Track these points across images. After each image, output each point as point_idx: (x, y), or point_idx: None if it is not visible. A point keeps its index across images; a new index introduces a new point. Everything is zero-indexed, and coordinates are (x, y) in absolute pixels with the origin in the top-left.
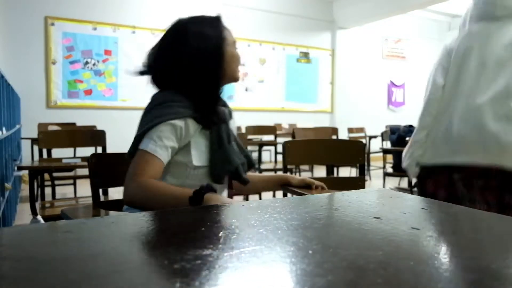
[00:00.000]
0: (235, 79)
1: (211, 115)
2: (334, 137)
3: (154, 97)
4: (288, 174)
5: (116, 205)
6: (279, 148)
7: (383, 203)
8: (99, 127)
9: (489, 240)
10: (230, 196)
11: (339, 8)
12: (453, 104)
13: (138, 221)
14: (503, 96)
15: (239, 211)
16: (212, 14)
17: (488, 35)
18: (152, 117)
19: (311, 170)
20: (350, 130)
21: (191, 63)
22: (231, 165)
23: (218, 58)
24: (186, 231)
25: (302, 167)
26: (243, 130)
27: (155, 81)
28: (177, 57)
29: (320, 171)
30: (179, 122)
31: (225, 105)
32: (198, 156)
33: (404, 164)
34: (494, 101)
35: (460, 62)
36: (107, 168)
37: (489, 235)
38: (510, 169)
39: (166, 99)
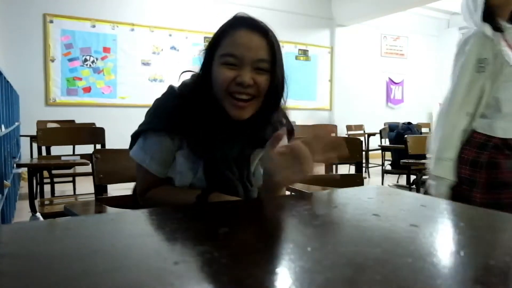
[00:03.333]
0: (226, 110)
1: (196, 145)
2: (333, 134)
3: (169, 91)
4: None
5: (117, 202)
6: None
7: (381, 200)
8: (98, 125)
9: (489, 237)
10: None
11: (337, 5)
12: None
13: (137, 219)
14: None
15: (238, 209)
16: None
17: None
18: (152, 117)
19: None
20: (349, 128)
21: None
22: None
23: (203, 71)
24: (185, 228)
25: None
26: None
27: None
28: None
29: (319, 169)
30: (167, 138)
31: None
32: (178, 178)
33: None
34: None
35: None
36: (109, 164)
37: (488, 232)
38: None
39: (169, 99)
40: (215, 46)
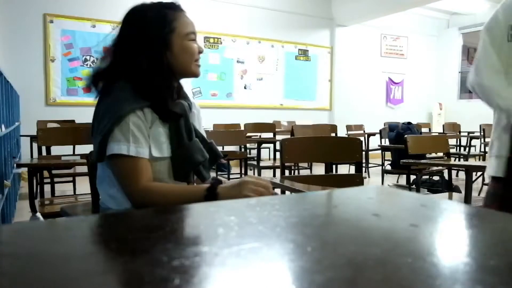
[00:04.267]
0: (190, 74)
1: (165, 107)
2: (333, 134)
3: (105, 91)
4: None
5: None
6: (278, 146)
7: (381, 200)
8: None
9: (489, 236)
10: None
11: (337, 5)
12: None
13: (137, 219)
14: None
15: (238, 208)
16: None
17: None
18: (113, 113)
19: (310, 167)
20: (349, 128)
21: (133, 50)
22: (193, 163)
23: (158, 48)
24: (185, 228)
25: (301, 164)
26: (242, 127)
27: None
28: (123, 44)
29: (319, 169)
30: (139, 113)
31: (185, 98)
32: (157, 147)
33: None
34: None
35: None
36: None
37: (488, 232)
38: None
39: (117, 93)
40: (165, 29)
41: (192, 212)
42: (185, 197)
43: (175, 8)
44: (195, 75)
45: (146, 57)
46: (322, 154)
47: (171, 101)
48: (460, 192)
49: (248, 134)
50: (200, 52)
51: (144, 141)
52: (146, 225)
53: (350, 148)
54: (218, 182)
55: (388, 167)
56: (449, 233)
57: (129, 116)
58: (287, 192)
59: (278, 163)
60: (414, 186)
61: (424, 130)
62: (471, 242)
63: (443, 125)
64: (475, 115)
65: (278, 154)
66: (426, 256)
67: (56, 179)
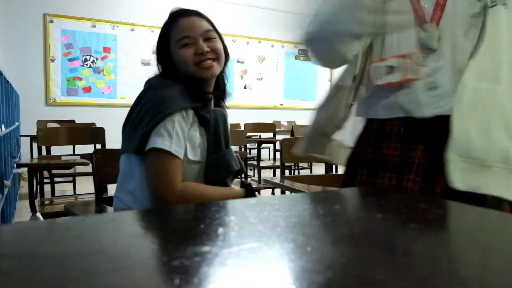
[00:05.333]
0: (196, 77)
1: (207, 111)
2: None
3: (153, 85)
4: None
5: None
6: (278, 146)
7: (382, 199)
8: (98, 125)
9: (489, 237)
10: None
11: None
12: None
13: (137, 219)
14: None
15: (238, 208)
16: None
17: None
18: (162, 109)
19: (310, 167)
20: None
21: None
22: (228, 170)
23: (164, 56)
24: (185, 228)
25: (301, 164)
26: (242, 127)
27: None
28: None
29: (319, 169)
30: (185, 113)
31: (223, 107)
32: (193, 150)
33: None
34: None
35: None
36: (109, 165)
37: (488, 233)
38: None
39: (166, 90)
40: (166, 41)
41: (192, 213)
42: (223, 197)
43: (172, 16)
44: (199, 77)
45: (164, 64)
46: None
47: (210, 107)
48: None
49: (248, 134)
50: (198, 53)
51: (183, 142)
52: (147, 226)
53: None
54: (249, 185)
55: None
56: (449, 234)
57: (176, 115)
58: (287, 192)
59: (278, 163)
60: None
61: None
62: (471, 242)
63: None
64: None
65: (278, 154)
66: (427, 256)
67: (56, 179)
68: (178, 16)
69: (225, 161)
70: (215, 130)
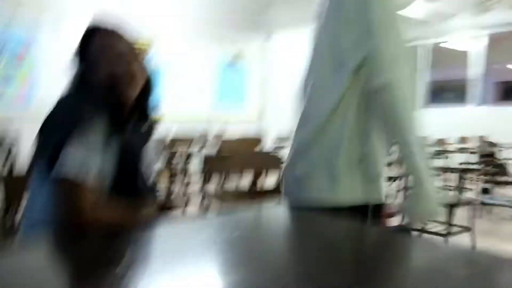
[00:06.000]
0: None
1: (122, 120)
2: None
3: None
4: None
5: None
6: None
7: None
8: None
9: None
10: None
11: (271, 13)
12: None
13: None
14: None
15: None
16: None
17: None
18: (74, 118)
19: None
20: (279, 139)
21: None
22: (135, 186)
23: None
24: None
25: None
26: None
27: None
28: None
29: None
30: (98, 121)
31: (147, 121)
32: (106, 159)
33: None
34: None
35: None
36: None
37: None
38: None
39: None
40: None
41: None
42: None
43: (89, 31)
44: (120, 102)
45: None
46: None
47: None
48: None
49: (176, 148)
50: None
51: (98, 153)
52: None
53: (272, 163)
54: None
55: None
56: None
57: (90, 124)
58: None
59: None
60: None
61: None
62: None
63: None
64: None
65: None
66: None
67: None
68: (95, 31)
69: (134, 173)
70: (128, 140)
